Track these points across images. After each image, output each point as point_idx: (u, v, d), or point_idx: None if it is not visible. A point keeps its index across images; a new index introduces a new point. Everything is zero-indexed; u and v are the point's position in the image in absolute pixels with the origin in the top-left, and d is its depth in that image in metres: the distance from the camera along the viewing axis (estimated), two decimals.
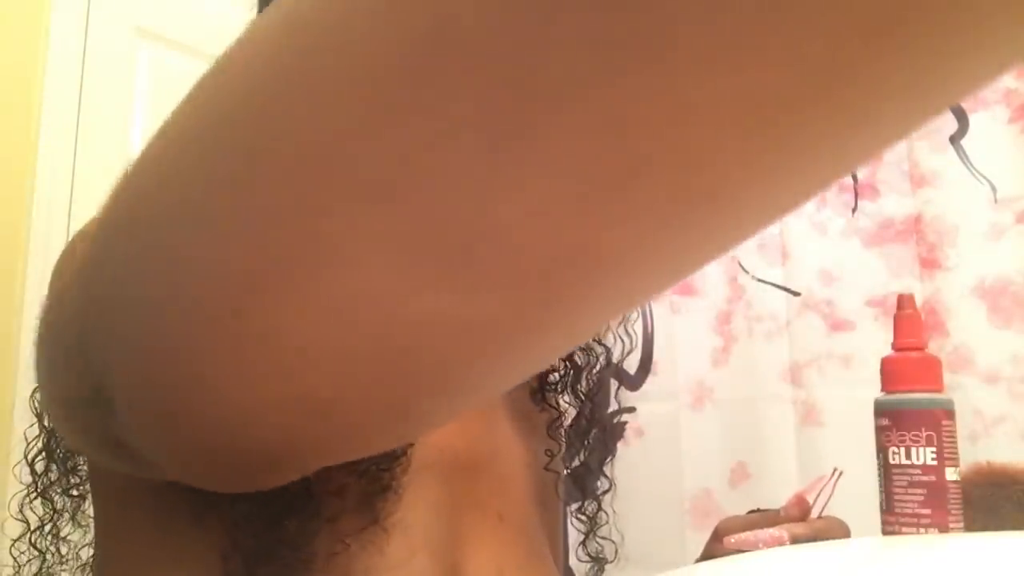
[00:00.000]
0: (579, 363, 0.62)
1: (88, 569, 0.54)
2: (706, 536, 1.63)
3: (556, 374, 0.61)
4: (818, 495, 0.51)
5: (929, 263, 1.38)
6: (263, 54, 0.20)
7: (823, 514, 0.60)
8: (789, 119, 0.17)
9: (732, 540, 0.51)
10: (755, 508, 1.44)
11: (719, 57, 0.15)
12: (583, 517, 0.65)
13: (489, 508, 0.53)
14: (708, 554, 0.59)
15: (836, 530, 0.57)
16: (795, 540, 0.49)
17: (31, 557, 0.55)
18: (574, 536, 0.66)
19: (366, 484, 0.45)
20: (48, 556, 0.55)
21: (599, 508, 0.63)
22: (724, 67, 0.15)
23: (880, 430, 0.52)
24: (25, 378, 1.63)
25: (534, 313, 0.22)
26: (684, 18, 0.15)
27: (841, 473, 0.52)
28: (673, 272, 0.22)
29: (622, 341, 0.65)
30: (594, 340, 0.62)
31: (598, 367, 0.63)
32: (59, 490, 0.54)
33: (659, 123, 0.16)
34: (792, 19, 0.15)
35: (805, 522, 0.56)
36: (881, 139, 0.18)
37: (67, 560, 0.56)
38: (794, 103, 0.16)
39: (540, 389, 0.60)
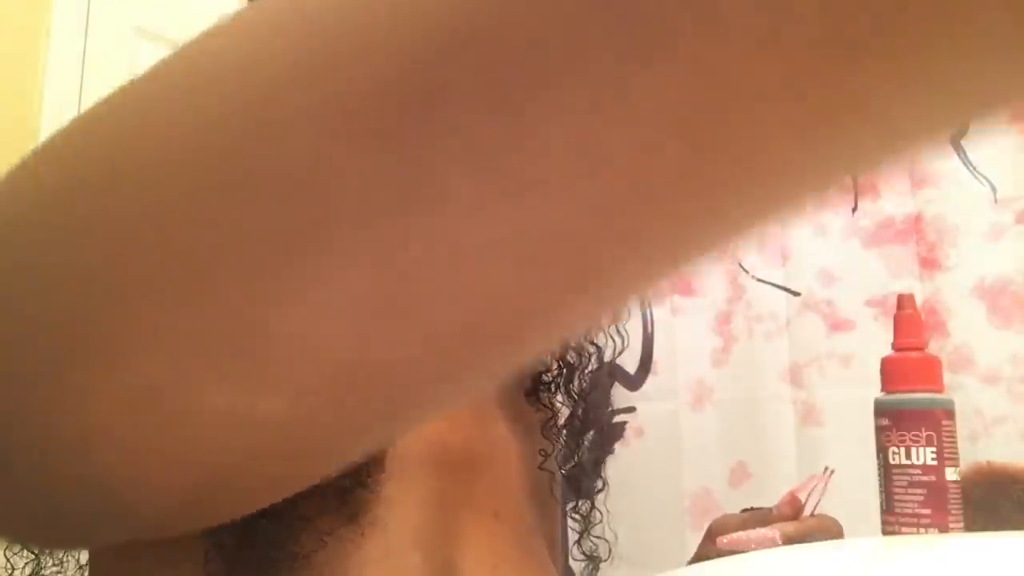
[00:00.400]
0: (572, 363, 0.62)
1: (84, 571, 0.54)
2: None
3: (549, 374, 0.61)
4: (810, 493, 0.51)
5: (929, 263, 1.38)
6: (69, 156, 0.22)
7: (816, 512, 0.60)
8: (580, 251, 0.17)
9: (724, 540, 0.50)
10: (749, 507, 1.45)
11: (490, 202, 0.16)
12: (577, 516, 0.65)
13: (485, 506, 0.54)
14: (701, 555, 0.59)
15: (828, 528, 0.56)
16: (787, 539, 0.48)
17: (26, 561, 0.55)
18: (572, 535, 0.66)
19: (345, 482, 0.45)
20: (42, 559, 0.55)
21: (592, 507, 0.62)
22: (498, 211, 0.16)
23: (880, 430, 0.52)
24: None
25: (325, 415, 0.22)
26: (454, 169, 0.15)
27: (833, 471, 0.52)
28: (465, 388, 0.23)
29: (614, 340, 0.65)
30: (585, 339, 0.62)
31: (591, 367, 0.63)
32: None
33: (432, 263, 0.17)
34: (573, 165, 0.15)
35: (797, 521, 0.56)
36: (691, 253, 0.19)
37: (63, 562, 0.56)
38: (582, 238, 0.17)
39: (534, 389, 0.60)
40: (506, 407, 0.58)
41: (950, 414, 0.51)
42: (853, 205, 1.45)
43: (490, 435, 0.56)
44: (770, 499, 1.45)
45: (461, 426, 0.54)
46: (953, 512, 0.49)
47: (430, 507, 0.50)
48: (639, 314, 1.51)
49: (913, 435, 0.49)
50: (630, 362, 1.51)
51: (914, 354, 0.53)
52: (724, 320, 1.56)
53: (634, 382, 1.52)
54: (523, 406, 0.60)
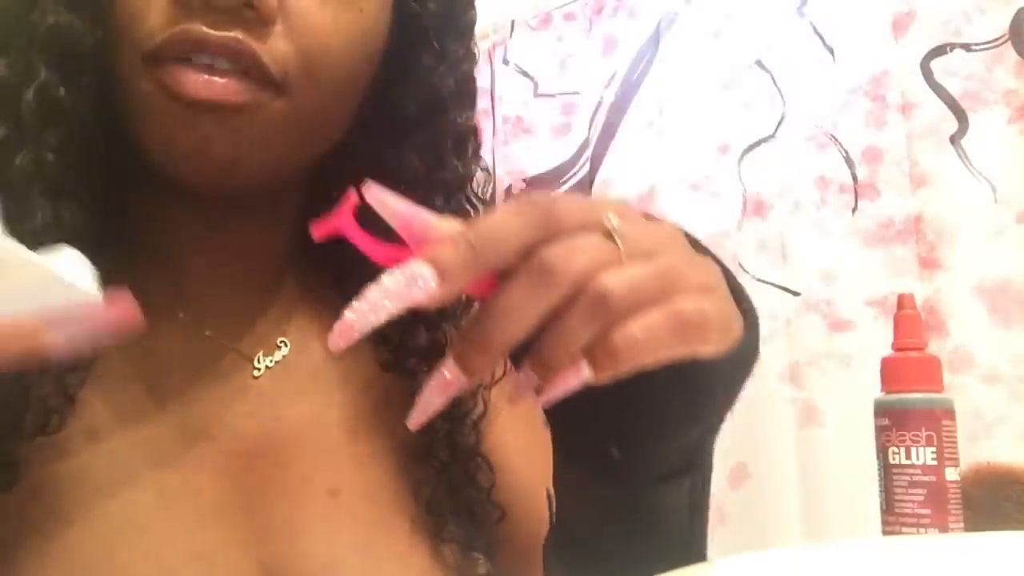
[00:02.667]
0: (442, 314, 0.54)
1: None
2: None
3: (418, 338, 0.54)
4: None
5: (929, 263, 1.38)
6: None
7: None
8: None
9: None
10: (755, 509, 1.44)
11: None
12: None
13: (317, 484, 0.50)
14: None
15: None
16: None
17: None
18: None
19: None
20: None
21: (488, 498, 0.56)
22: None
23: (880, 430, 0.52)
24: None
25: None
26: None
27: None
28: None
29: None
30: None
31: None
32: None
33: None
34: None
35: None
36: None
37: None
38: None
39: (396, 362, 0.54)
40: (351, 380, 0.54)
41: (950, 414, 0.51)
42: (853, 205, 1.45)
43: (296, 407, 0.51)
44: (770, 499, 1.45)
45: (243, 412, 0.49)
46: (953, 512, 0.49)
47: (225, 506, 0.47)
48: None
49: (913, 435, 0.50)
50: None
51: (914, 354, 0.53)
52: None
53: None
54: (378, 378, 0.54)
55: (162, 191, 0.48)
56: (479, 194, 0.57)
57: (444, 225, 0.31)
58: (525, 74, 1.87)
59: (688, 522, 0.43)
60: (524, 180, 1.84)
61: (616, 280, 0.30)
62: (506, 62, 1.87)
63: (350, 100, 0.50)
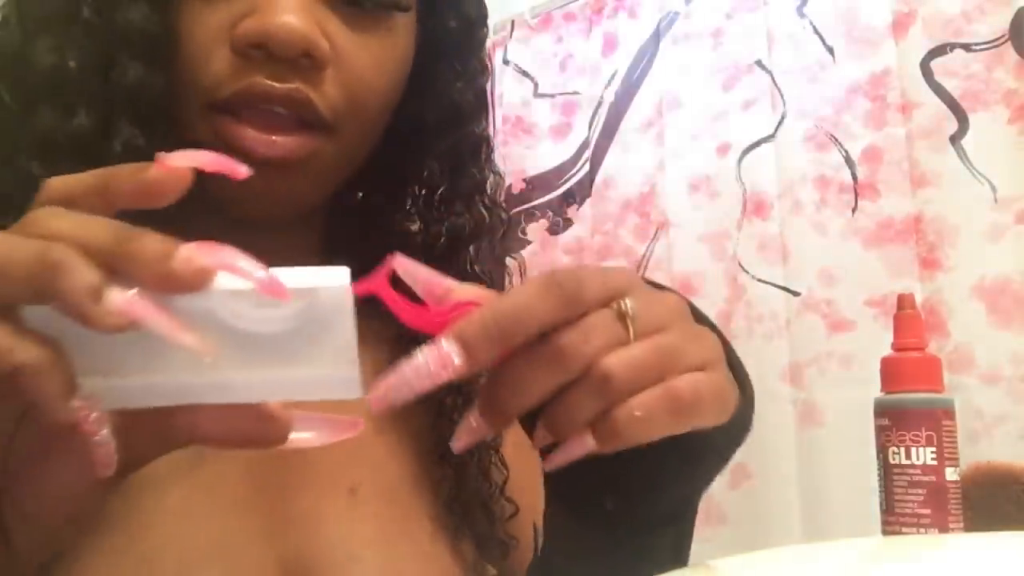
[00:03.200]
0: None
1: None
2: (706, 537, 1.62)
3: None
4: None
5: (929, 263, 1.38)
6: None
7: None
8: None
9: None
10: (755, 509, 1.44)
11: None
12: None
13: (338, 481, 0.51)
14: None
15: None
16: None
17: None
18: None
19: None
20: None
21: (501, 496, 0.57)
22: None
23: (880, 430, 0.52)
24: None
25: None
26: None
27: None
28: None
29: None
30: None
31: None
32: None
33: None
34: None
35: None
36: None
37: None
38: None
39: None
40: (371, 381, 0.54)
41: (950, 414, 0.51)
42: (853, 205, 1.45)
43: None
44: (770, 499, 1.45)
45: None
46: (953, 512, 0.49)
47: (248, 499, 0.48)
48: None
49: (913, 435, 0.50)
50: None
51: (914, 354, 0.53)
52: (724, 320, 1.55)
53: None
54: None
55: (199, 211, 0.50)
56: (493, 196, 0.59)
57: (464, 291, 0.34)
58: (525, 74, 1.87)
59: (671, 563, 0.45)
60: (524, 180, 1.84)
61: (619, 361, 0.33)
62: (506, 62, 1.87)
63: (384, 123, 0.52)
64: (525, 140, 1.84)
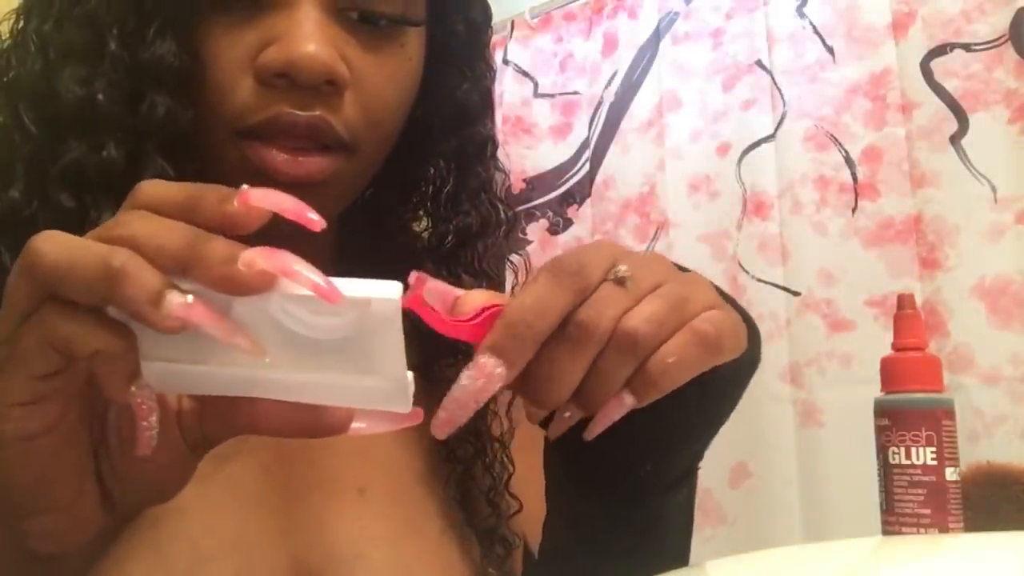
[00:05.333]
0: None
1: None
2: (706, 537, 1.61)
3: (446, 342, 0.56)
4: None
5: (929, 263, 1.38)
6: None
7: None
8: None
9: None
10: (755, 509, 1.44)
11: None
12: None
13: (347, 482, 0.52)
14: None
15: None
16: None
17: None
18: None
19: None
20: None
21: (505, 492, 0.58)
22: None
23: (880, 430, 0.52)
24: None
25: None
26: None
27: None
28: None
29: None
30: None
31: None
32: None
33: None
34: None
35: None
36: None
37: None
38: None
39: (424, 363, 0.54)
40: None
41: (950, 414, 0.51)
42: (853, 205, 1.45)
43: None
44: (770, 499, 1.45)
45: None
46: (953, 512, 0.49)
47: (259, 499, 0.49)
48: None
49: (913, 435, 0.50)
50: None
51: (914, 354, 0.53)
52: None
53: None
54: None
55: None
56: (499, 194, 0.61)
57: (473, 295, 0.35)
58: (525, 74, 1.87)
59: (684, 522, 0.48)
60: (524, 180, 1.84)
61: (638, 319, 0.35)
62: (506, 62, 1.87)
63: (398, 133, 0.54)
64: (525, 140, 1.84)
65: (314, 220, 0.31)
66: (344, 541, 0.50)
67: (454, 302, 0.35)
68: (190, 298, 0.29)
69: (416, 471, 0.55)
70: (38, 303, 0.30)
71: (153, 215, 0.31)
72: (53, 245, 0.30)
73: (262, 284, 0.30)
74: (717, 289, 0.40)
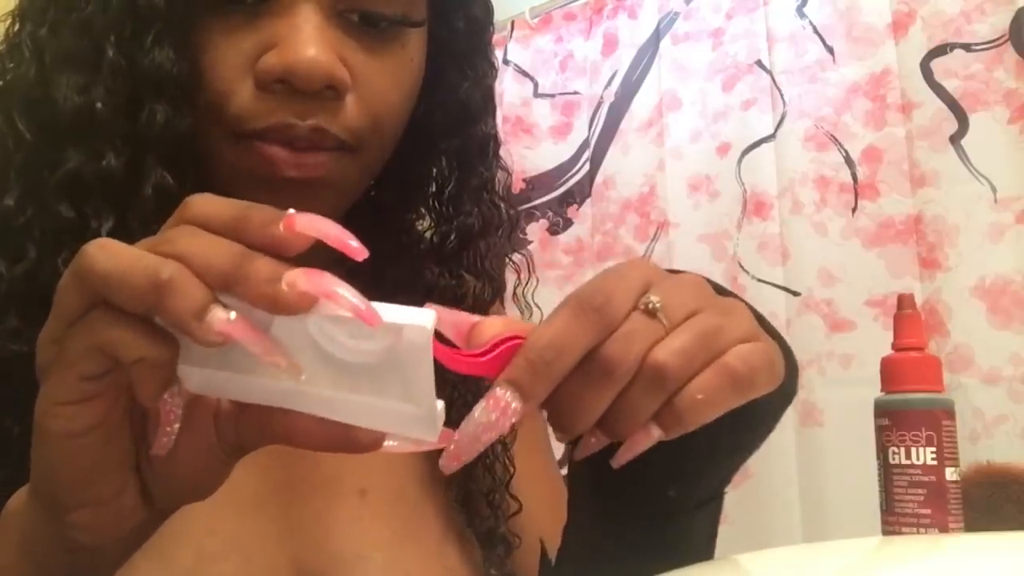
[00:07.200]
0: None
1: None
2: None
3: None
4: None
5: (929, 263, 1.38)
6: None
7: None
8: None
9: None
10: (755, 509, 1.44)
11: None
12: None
13: (348, 484, 0.52)
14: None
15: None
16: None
17: None
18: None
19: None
20: None
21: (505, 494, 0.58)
22: None
23: (880, 430, 0.52)
24: None
25: None
26: None
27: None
28: None
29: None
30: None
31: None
32: None
33: None
34: None
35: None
36: None
37: None
38: None
39: None
40: None
41: (950, 414, 0.51)
42: (853, 205, 1.46)
43: None
44: (770, 499, 1.45)
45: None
46: (953, 512, 0.49)
47: (258, 501, 0.49)
48: None
49: (913, 435, 0.50)
50: None
51: (914, 354, 0.53)
52: None
53: None
54: None
55: None
56: (501, 193, 0.61)
57: (492, 323, 0.34)
58: (525, 74, 1.87)
59: (709, 535, 0.47)
60: (524, 180, 1.84)
61: (667, 352, 0.34)
62: (506, 62, 1.87)
63: (401, 133, 0.53)
64: (525, 140, 1.84)
65: (355, 248, 0.31)
66: (345, 542, 0.50)
67: (470, 329, 0.34)
68: (233, 315, 0.30)
69: (417, 473, 0.55)
70: (88, 308, 0.31)
71: (202, 231, 0.32)
72: (106, 253, 0.30)
73: (303, 305, 0.30)
74: (756, 314, 0.38)
